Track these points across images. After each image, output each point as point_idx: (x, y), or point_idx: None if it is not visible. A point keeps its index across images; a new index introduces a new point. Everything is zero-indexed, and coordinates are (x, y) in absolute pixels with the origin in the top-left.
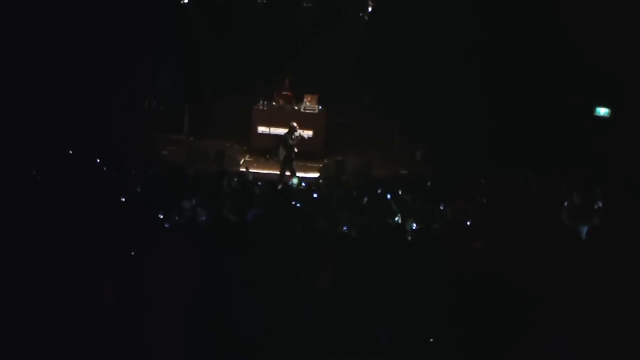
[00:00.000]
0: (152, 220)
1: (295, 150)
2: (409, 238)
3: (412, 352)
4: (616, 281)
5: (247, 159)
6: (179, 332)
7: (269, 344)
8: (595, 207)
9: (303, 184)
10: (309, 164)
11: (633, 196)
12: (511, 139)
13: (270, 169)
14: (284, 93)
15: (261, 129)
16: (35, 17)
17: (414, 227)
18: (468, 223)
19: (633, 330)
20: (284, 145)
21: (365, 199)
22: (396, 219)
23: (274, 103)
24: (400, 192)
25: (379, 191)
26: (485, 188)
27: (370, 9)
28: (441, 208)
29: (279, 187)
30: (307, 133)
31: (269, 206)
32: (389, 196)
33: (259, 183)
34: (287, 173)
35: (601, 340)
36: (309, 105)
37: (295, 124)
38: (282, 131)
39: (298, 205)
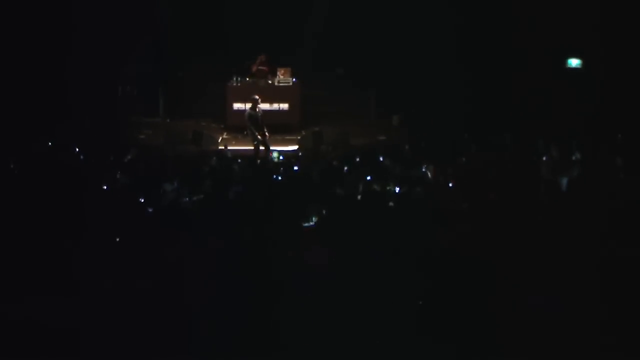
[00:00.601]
0: (135, 206)
1: (259, 137)
2: (391, 204)
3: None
4: (599, 230)
5: (224, 137)
6: (169, 316)
7: (260, 327)
8: (574, 158)
9: (281, 157)
10: (286, 137)
11: (609, 145)
12: (486, 99)
13: (248, 145)
14: (260, 68)
15: (237, 106)
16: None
17: (396, 191)
18: (450, 185)
19: (618, 280)
20: (251, 121)
21: (346, 168)
22: (379, 185)
23: (247, 79)
24: (381, 158)
25: (357, 159)
26: (464, 150)
27: None
28: (423, 171)
29: (258, 162)
30: (283, 106)
31: (249, 182)
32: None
33: (239, 160)
34: (262, 148)
35: (588, 293)
36: (283, 78)
37: (257, 97)
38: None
39: (279, 178)
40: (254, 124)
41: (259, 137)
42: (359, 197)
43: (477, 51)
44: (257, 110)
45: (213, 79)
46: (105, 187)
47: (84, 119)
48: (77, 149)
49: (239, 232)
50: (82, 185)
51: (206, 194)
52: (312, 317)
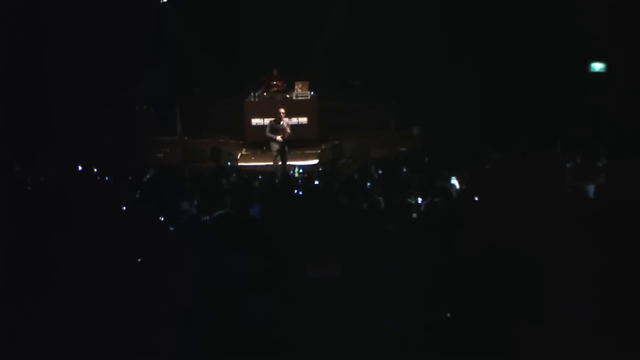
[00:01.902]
0: (155, 226)
1: (279, 138)
2: (414, 215)
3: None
4: (629, 236)
5: (244, 152)
6: (191, 334)
7: (280, 344)
8: (599, 164)
9: (301, 171)
10: (306, 152)
11: (633, 151)
12: (506, 106)
13: (268, 160)
14: (273, 83)
15: (255, 121)
16: (18, 17)
17: (419, 202)
18: (473, 194)
19: None
20: (273, 132)
21: (369, 184)
22: (401, 196)
23: (265, 94)
24: (404, 170)
25: (379, 172)
26: (485, 158)
27: None
28: (446, 181)
29: (278, 178)
30: (302, 120)
31: (270, 198)
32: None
33: (259, 176)
34: (280, 163)
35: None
36: (301, 92)
37: (282, 110)
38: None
39: (300, 193)
40: (277, 134)
41: (280, 152)
42: (381, 209)
43: (496, 56)
44: (281, 123)
45: (230, 94)
46: (124, 208)
47: (100, 138)
48: (95, 170)
49: (261, 248)
50: (101, 207)
51: (226, 211)
52: (330, 334)
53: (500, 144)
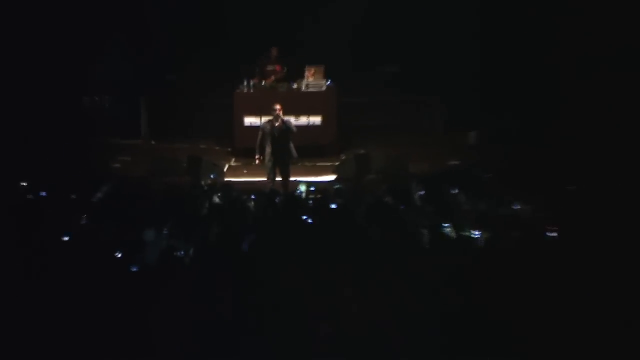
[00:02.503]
0: (108, 264)
1: (278, 138)
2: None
3: None
4: None
5: (232, 163)
6: None
7: None
8: None
9: (312, 189)
10: (319, 164)
11: None
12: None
13: (264, 175)
14: (269, 68)
15: (248, 120)
16: None
17: (476, 236)
18: (551, 233)
19: None
20: (271, 139)
21: (402, 206)
22: (451, 229)
23: (263, 83)
24: (455, 191)
25: (421, 193)
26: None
27: None
28: (513, 207)
29: (280, 199)
30: (314, 120)
31: (268, 227)
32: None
33: (253, 196)
34: (278, 178)
35: None
36: (313, 81)
37: (278, 107)
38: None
39: (310, 221)
40: (273, 140)
41: (278, 162)
42: (423, 245)
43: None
44: (278, 123)
45: (215, 84)
46: (65, 238)
47: (33, 140)
48: (26, 184)
49: (256, 295)
50: (32, 237)
51: (209, 244)
52: None
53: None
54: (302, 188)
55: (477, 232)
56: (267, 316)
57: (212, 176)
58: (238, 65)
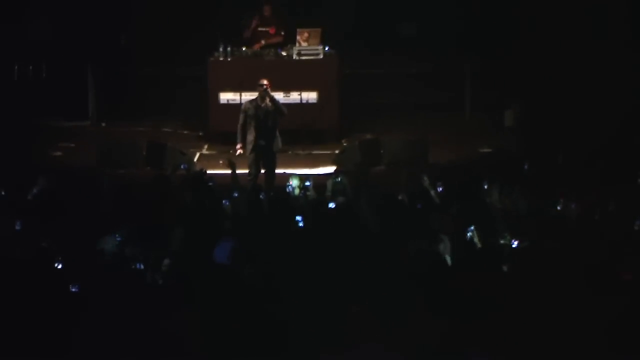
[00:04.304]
0: (49, 282)
1: (263, 121)
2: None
3: None
4: None
5: (205, 151)
6: None
7: None
8: None
9: (306, 184)
10: (315, 152)
11: None
12: None
13: (245, 167)
14: (261, 29)
15: (225, 97)
16: None
17: (514, 246)
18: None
19: None
20: (255, 123)
21: (420, 205)
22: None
23: (244, 48)
24: (485, 185)
25: (441, 189)
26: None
27: None
28: (558, 208)
29: (265, 196)
30: (308, 96)
31: (251, 231)
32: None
33: (233, 194)
34: (262, 170)
35: None
36: (307, 47)
37: (265, 82)
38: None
39: (300, 224)
40: (258, 125)
41: (263, 150)
42: (446, 257)
43: None
44: (265, 103)
45: (185, 49)
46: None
47: None
48: None
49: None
50: None
51: (174, 255)
52: None
53: None
54: (294, 183)
55: (514, 242)
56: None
57: (181, 167)
58: (215, 24)
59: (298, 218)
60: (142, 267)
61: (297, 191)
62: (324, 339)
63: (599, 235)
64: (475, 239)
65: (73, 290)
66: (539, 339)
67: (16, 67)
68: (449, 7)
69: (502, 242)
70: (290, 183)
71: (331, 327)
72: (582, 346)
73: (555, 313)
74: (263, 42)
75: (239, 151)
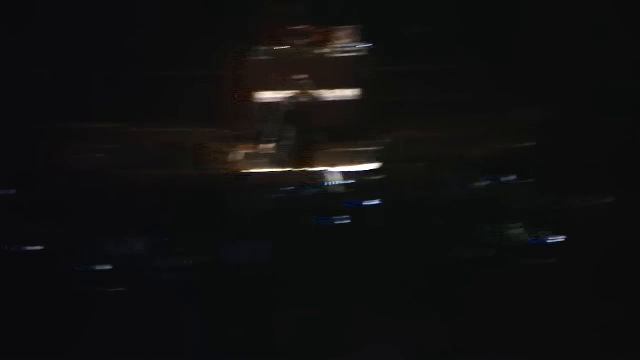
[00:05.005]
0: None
1: (292, 119)
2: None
3: None
4: None
5: (229, 150)
6: None
7: None
8: None
9: (334, 182)
10: (344, 149)
11: None
12: None
13: (268, 165)
14: (290, 28)
15: (253, 96)
16: None
17: (548, 242)
18: None
19: None
20: (283, 122)
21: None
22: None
23: (272, 47)
24: (504, 179)
25: (466, 184)
26: None
27: None
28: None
29: (293, 195)
30: (339, 94)
31: (279, 231)
32: None
33: (257, 193)
34: (290, 169)
35: None
36: (337, 45)
37: (294, 79)
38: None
39: (325, 222)
40: (288, 123)
41: (284, 149)
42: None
43: None
44: (293, 101)
45: (207, 47)
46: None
47: None
48: None
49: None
50: None
51: (198, 255)
52: None
53: None
54: (323, 181)
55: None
56: None
57: (204, 168)
58: (239, 21)
59: (324, 217)
60: (159, 266)
61: (324, 189)
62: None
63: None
64: (495, 235)
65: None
66: None
67: (29, 72)
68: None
69: (520, 237)
70: (318, 181)
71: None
72: None
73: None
74: (291, 41)
75: (262, 149)
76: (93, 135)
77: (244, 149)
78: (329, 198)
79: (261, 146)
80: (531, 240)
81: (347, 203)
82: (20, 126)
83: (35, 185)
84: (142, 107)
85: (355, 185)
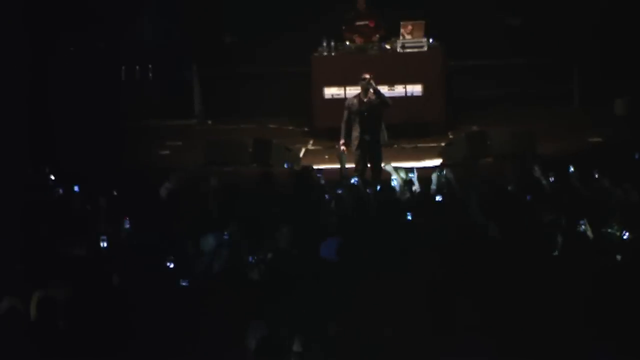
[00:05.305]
0: (157, 276)
1: (368, 116)
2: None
3: None
4: None
5: (310, 147)
6: None
7: None
8: None
9: (411, 176)
10: (420, 145)
11: None
12: None
13: (354, 160)
14: (358, 24)
15: (330, 92)
16: None
17: (624, 237)
18: None
19: None
20: (354, 115)
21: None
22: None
23: (347, 43)
24: (597, 176)
25: (552, 179)
26: None
27: None
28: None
29: (371, 191)
30: (413, 89)
31: (356, 228)
32: None
33: (338, 190)
34: (368, 165)
35: None
36: (411, 39)
37: (367, 76)
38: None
39: (409, 219)
40: (362, 120)
41: (362, 146)
42: (556, 251)
43: None
44: (368, 97)
45: (287, 46)
46: (103, 244)
47: (56, 121)
48: (52, 177)
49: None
50: (62, 242)
51: (280, 250)
52: None
53: None
54: (399, 176)
55: (625, 233)
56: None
57: (285, 164)
58: (316, 20)
59: (407, 213)
60: (252, 261)
61: (401, 184)
62: None
63: None
64: (588, 231)
65: (183, 284)
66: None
67: (123, 69)
68: None
69: (610, 231)
70: (395, 177)
71: None
72: None
73: None
74: (362, 37)
75: (342, 148)
76: (188, 132)
77: (329, 145)
78: (409, 192)
79: (343, 142)
80: (625, 234)
81: (437, 198)
82: (118, 124)
83: (133, 183)
84: (235, 103)
85: (435, 179)
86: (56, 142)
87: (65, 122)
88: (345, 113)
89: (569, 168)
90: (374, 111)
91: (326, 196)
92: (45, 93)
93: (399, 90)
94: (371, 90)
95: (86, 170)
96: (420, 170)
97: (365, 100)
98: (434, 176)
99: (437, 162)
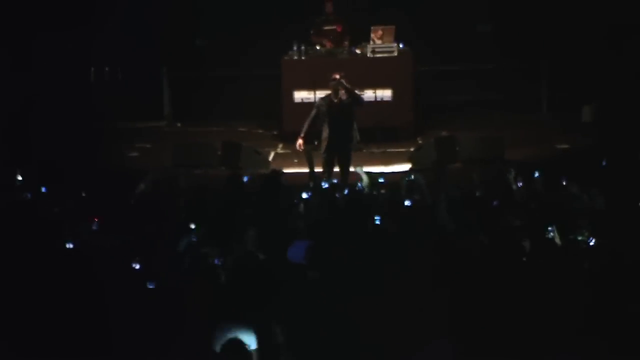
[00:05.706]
0: (123, 278)
1: (338, 116)
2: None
3: None
4: None
5: (279, 150)
6: None
7: None
8: None
9: (381, 181)
10: (390, 150)
11: None
12: None
13: (321, 163)
14: (326, 28)
15: (300, 95)
16: None
17: (591, 244)
18: None
19: None
20: (329, 120)
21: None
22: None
23: (317, 47)
24: (564, 182)
25: (520, 184)
26: None
27: None
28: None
29: (341, 195)
30: (382, 94)
31: (326, 231)
32: None
33: (306, 194)
34: (335, 169)
35: None
36: (381, 44)
37: (337, 76)
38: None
39: (378, 221)
40: (332, 121)
41: (330, 147)
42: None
43: None
44: (339, 97)
45: (257, 50)
46: (69, 245)
47: (28, 121)
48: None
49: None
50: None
51: (246, 252)
52: None
53: None
54: (364, 180)
55: (590, 238)
56: None
57: (254, 167)
58: (285, 25)
59: (376, 217)
60: (218, 263)
61: (367, 188)
62: None
63: None
64: (556, 238)
65: (150, 286)
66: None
67: (92, 70)
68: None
69: (579, 239)
70: (361, 181)
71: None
72: None
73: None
74: (331, 41)
75: (299, 142)
76: (157, 133)
77: (297, 148)
78: (386, 198)
79: (314, 145)
80: (592, 241)
81: (406, 203)
82: (86, 126)
83: (102, 185)
84: (204, 106)
85: (405, 184)
86: (30, 142)
87: (34, 123)
88: (314, 112)
89: (533, 174)
90: (344, 112)
91: (295, 200)
92: (19, 95)
93: (368, 94)
94: (342, 91)
95: (54, 171)
96: (389, 175)
97: (335, 100)
98: (403, 181)
99: (406, 167)
